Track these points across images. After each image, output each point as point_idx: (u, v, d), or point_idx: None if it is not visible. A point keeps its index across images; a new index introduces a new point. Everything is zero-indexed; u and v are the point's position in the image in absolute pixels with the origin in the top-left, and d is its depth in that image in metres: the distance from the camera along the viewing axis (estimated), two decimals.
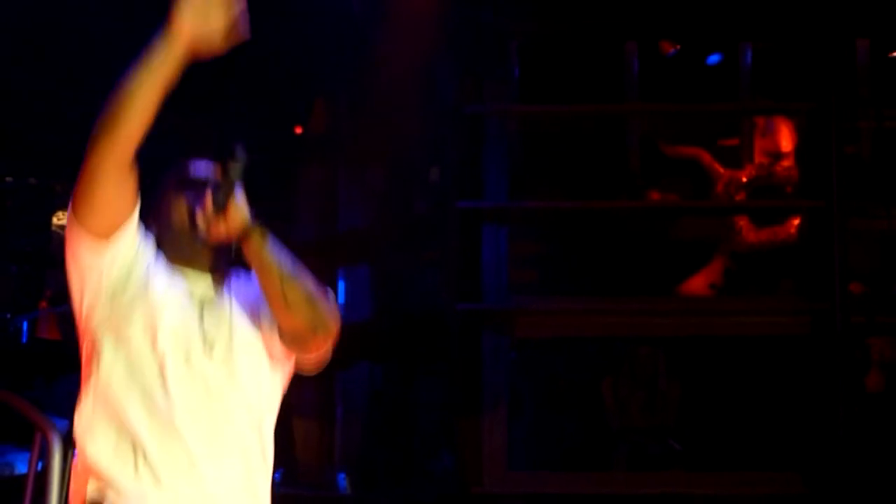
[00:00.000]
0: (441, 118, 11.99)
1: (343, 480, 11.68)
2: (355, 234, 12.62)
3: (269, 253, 5.14)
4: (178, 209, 5.27)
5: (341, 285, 12.65)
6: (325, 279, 12.45)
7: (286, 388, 5.60)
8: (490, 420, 11.19)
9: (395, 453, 12.24)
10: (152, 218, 5.30)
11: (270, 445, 5.37)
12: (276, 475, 11.22)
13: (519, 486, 11.24)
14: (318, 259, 12.56)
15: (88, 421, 5.17)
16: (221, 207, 5.11)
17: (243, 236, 5.12)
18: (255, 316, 5.32)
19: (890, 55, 12.30)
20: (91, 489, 5.13)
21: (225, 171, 5.16)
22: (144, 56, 4.89)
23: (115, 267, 5.11)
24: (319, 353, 5.44)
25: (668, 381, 11.90)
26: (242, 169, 5.15)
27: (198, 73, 11.64)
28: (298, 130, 12.99)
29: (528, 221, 12.21)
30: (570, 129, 12.81)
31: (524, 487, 11.26)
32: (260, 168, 12.38)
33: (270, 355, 5.34)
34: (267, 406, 5.38)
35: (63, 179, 13.31)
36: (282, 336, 5.28)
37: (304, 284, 5.16)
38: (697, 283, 12.44)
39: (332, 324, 5.27)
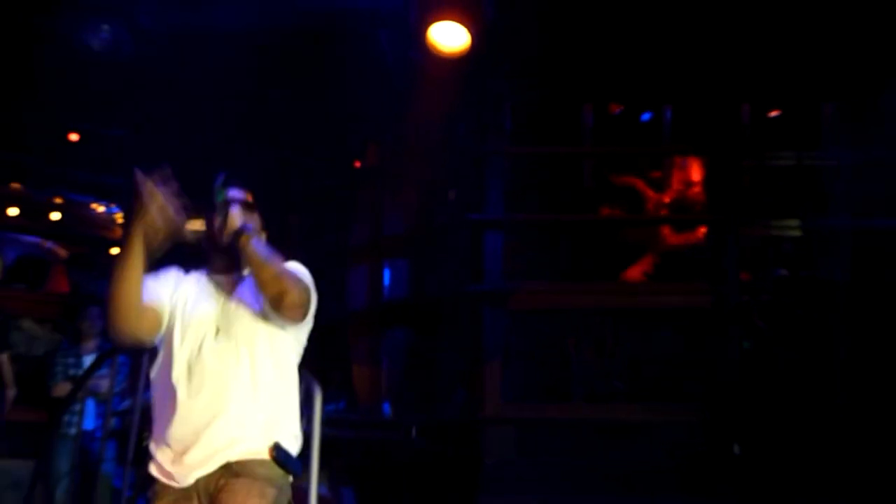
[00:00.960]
0: (456, 155, 12.29)
1: (387, 407, 11.89)
2: (395, 239, 12.87)
3: (251, 248, 5.50)
4: (205, 226, 5.80)
5: (386, 273, 12.89)
6: (374, 270, 12.66)
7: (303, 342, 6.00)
8: (490, 367, 11.41)
9: (424, 390, 12.39)
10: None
11: (264, 390, 5.59)
12: (342, 404, 11.60)
13: (510, 412, 11.41)
14: (369, 256, 12.96)
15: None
16: (222, 221, 5.64)
17: (237, 239, 5.57)
18: (255, 301, 5.71)
19: (768, 115, 12.49)
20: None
21: (216, 195, 5.68)
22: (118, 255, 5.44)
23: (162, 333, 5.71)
24: (298, 311, 5.65)
25: (614, 340, 11.69)
26: (224, 193, 5.65)
27: (280, 120, 11.60)
28: (357, 164, 13.15)
29: (517, 228, 12.16)
30: (547, 163, 12.69)
31: (513, 413, 11.42)
32: (328, 192, 12.52)
33: (268, 325, 5.69)
34: (261, 366, 5.63)
35: None
36: (270, 306, 5.59)
37: (274, 268, 5.47)
38: (635, 272, 12.57)
39: (295, 293, 5.57)
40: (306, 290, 5.58)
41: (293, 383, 5.81)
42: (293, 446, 5.66)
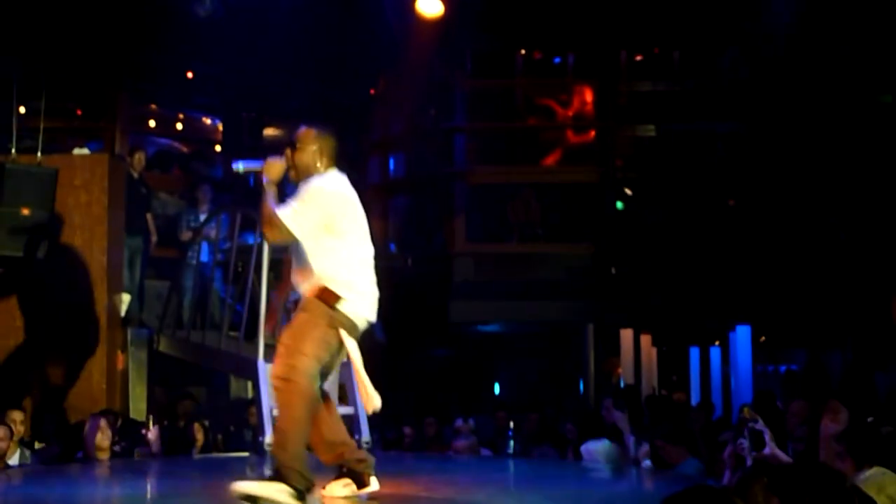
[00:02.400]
0: (434, 85, 12.09)
1: (393, 246, 11.92)
2: (397, 139, 12.85)
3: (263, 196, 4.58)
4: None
5: (391, 160, 12.93)
6: (384, 158, 12.49)
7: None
8: (458, 219, 11.47)
9: (415, 236, 12.33)
10: None
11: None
12: None
13: (470, 248, 11.50)
14: (381, 149, 12.89)
15: None
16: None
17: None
18: None
19: (635, 58, 12.32)
20: None
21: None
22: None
23: None
24: (274, 241, 4.84)
25: (536, 202, 11.62)
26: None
27: (318, 62, 11.42)
28: (372, 91, 12.99)
29: (475, 132, 12.03)
30: (494, 91, 12.39)
31: (473, 249, 11.50)
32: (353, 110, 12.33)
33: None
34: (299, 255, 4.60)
35: None
36: None
37: (265, 211, 4.54)
38: (550, 160, 12.27)
39: (268, 236, 4.70)
40: (279, 231, 4.51)
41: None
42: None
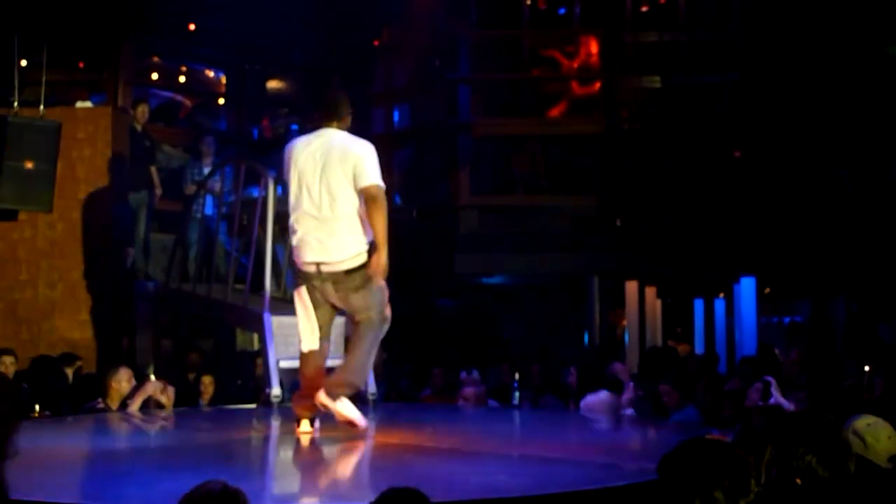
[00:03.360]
0: (439, 35, 12.01)
1: (398, 197, 11.82)
2: (401, 90, 12.81)
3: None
4: None
5: (395, 112, 12.92)
6: (388, 110, 12.44)
7: None
8: (462, 171, 11.43)
9: (420, 186, 12.24)
10: None
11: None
12: None
13: (475, 200, 11.45)
14: (384, 101, 12.85)
15: None
16: None
17: None
18: None
19: (640, 9, 12.27)
20: None
21: None
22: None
23: None
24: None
25: (541, 154, 11.62)
26: None
27: (325, 13, 11.28)
28: (376, 42, 12.90)
29: (479, 83, 11.93)
30: (500, 42, 12.26)
31: (477, 201, 11.45)
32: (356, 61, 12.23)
33: None
34: None
35: None
36: None
37: None
38: (555, 112, 12.13)
39: None
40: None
41: None
42: None
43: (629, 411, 6.72)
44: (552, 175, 11.82)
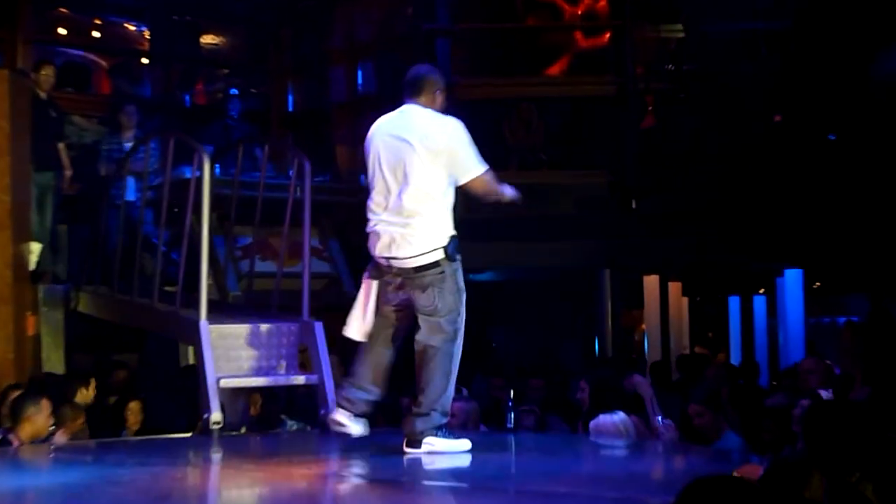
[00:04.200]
0: None
1: (363, 178, 11.89)
2: (365, 45, 12.78)
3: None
4: None
5: (359, 73, 12.88)
6: (350, 70, 12.38)
7: None
8: None
9: None
10: None
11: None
12: (327, 176, 11.64)
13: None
14: (346, 59, 12.84)
15: None
16: None
17: None
18: None
19: None
20: None
21: None
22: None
23: None
24: None
25: (537, 120, 11.69)
26: None
27: None
28: None
29: (461, 35, 12.05)
30: None
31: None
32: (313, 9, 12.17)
33: None
34: None
35: None
36: None
37: None
38: (554, 70, 12.32)
39: None
40: None
41: None
42: None
43: (669, 436, 6.69)
44: (553, 147, 11.85)
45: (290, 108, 13.00)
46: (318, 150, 11.44)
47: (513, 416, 7.40)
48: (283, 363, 6.64)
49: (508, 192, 5.43)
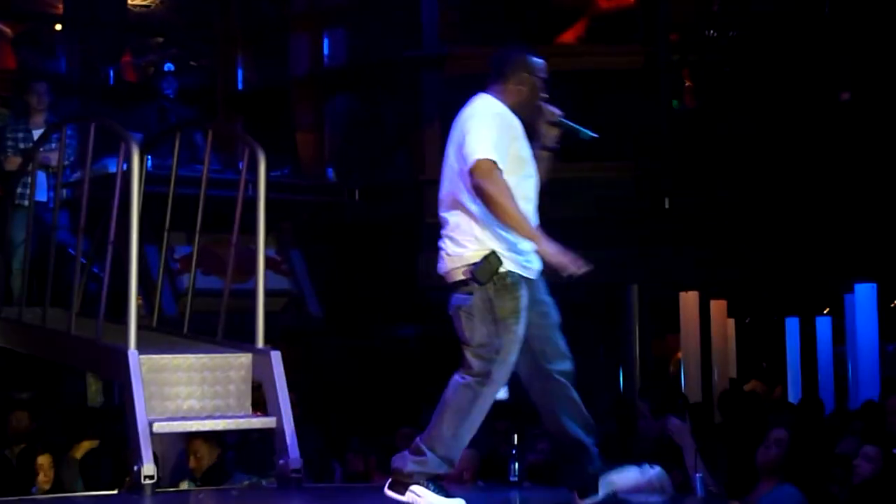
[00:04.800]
0: None
1: (331, 172, 11.94)
2: (334, 7, 12.80)
3: None
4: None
5: (326, 41, 12.87)
6: (315, 39, 12.48)
7: None
8: (429, 130, 11.39)
9: (366, 154, 12.46)
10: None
11: None
12: (286, 170, 11.67)
13: None
14: (309, 24, 12.87)
15: None
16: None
17: None
18: None
19: None
20: None
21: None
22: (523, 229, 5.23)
23: None
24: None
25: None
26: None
27: None
28: None
29: None
30: None
31: None
32: None
33: None
34: None
35: None
36: None
37: None
38: (569, 36, 12.46)
39: None
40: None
41: None
42: None
43: (711, 489, 6.70)
44: (564, 134, 11.81)
45: (240, 87, 13.00)
46: (274, 137, 11.45)
47: (517, 466, 7.38)
48: (233, 403, 6.61)
49: (539, 239, 5.31)
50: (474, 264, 5.18)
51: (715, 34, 11.91)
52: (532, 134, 5.48)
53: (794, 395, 11.82)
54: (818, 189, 10.92)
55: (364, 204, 11.69)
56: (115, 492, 7.03)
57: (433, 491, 5.22)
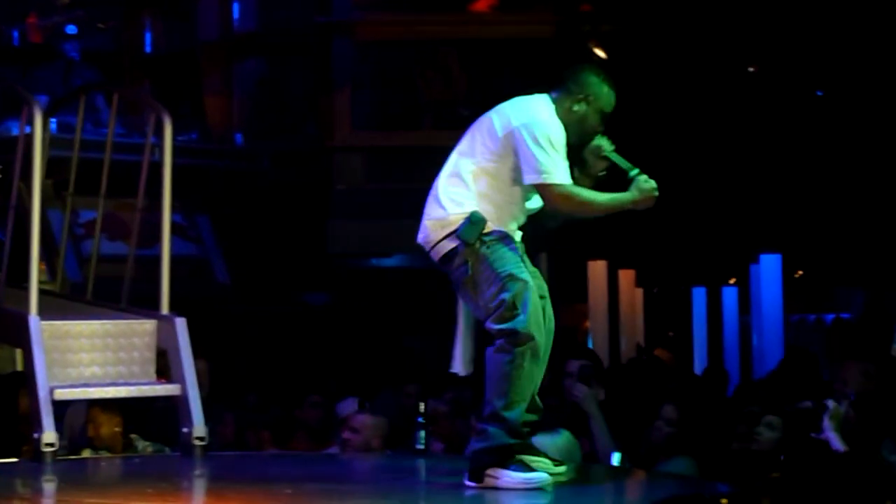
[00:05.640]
0: None
1: (240, 137, 11.89)
2: None
3: None
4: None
5: (235, 5, 12.77)
6: (224, 2, 12.33)
7: None
8: (339, 97, 11.51)
9: (275, 120, 12.39)
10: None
11: None
12: (194, 135, 11.60)
13: (359, 140, 11.60)
14: None
15: None
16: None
17: None
18: None
19: None
20: None
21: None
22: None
23: None
24: None
25: (460, 70, 11.82)
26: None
27: None
28: None
29: None
30: None
31: (362, 142, 11.61)
32: None
33: None
34: None
35: None
36: None
37: None
38: (481, 4, 12.35)
39: None
40: None
41: None
42: None
43: (615, 458, 6.75)
44: (477, 101, 11.74)
45: (148, 49, 12.88)
46: (182, 101, 11.37)
47: (423, 434, 7.37)
48: (136, 370, 6.55)
49: (621, 202, 5.36)
50: (458, 227, 5.14)
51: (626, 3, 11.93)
52: (575, 159, 5.34)
53: (699, 364, 11.92)
54: (725, 161, 11.02)
55: (273, 170, 11.68)
56: (15, 460, 6.97)
57: (511, 469, 5.14)
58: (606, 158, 5.37)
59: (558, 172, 5.10)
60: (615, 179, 5.37)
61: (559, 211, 5.22)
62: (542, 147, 5.11)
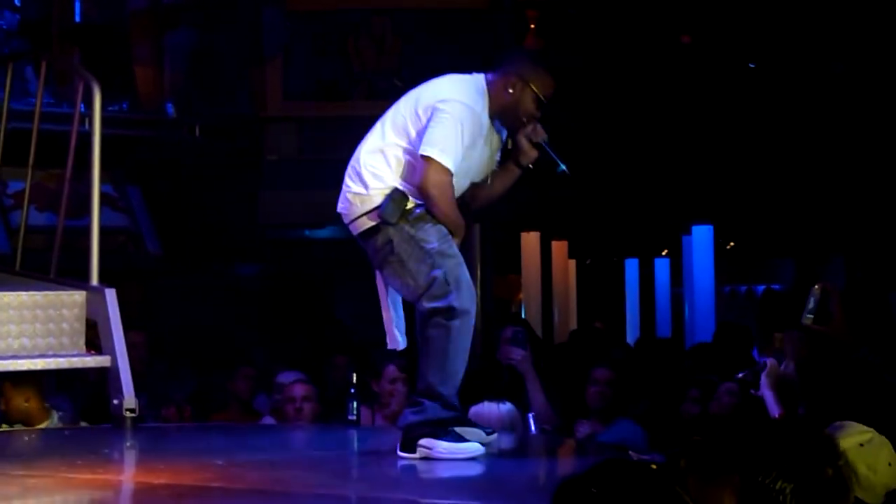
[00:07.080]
0: None
1: (171, 107, 11.81)
2: None
3: None
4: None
5: None
6: None
7: None
8: (271, 67, 11.48)
9: (206, 89, 12.30)
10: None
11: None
12: (124, 105, 11.53)
13: (291, 110, 11.63)
14: None
15: None
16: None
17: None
18: None
19: None
20: None
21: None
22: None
23: None
24: None
25: (391, 36, 11.78)
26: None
27: None
28: None
29: None
30: None
31: (294, 112, 11.64)
32: None
33: None
34: None
35: None
36: None
37: None
38: None
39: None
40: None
41: None
42: None
43: (534, 425, 6.81)
44: (410, 71, 11.69)
45: (77, 19, 12.76)
46: (111, 71, 11.28)
47: (355, 405, 7.40)
48: (66, 341, 6.53)
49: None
50: (379, 206, 5.13)
51: None
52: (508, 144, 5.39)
53: (632, 335, 12.01)
54: (657, 133, 11.06)
55: (204, 140, 11.58)
56: None
57: (445, 440, 5.18)
58: (539, 147, 5.44)
59: (446, 155, 5.09)
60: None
61: (421, 191, 5.12)
62: (444, 126, 5.11)
